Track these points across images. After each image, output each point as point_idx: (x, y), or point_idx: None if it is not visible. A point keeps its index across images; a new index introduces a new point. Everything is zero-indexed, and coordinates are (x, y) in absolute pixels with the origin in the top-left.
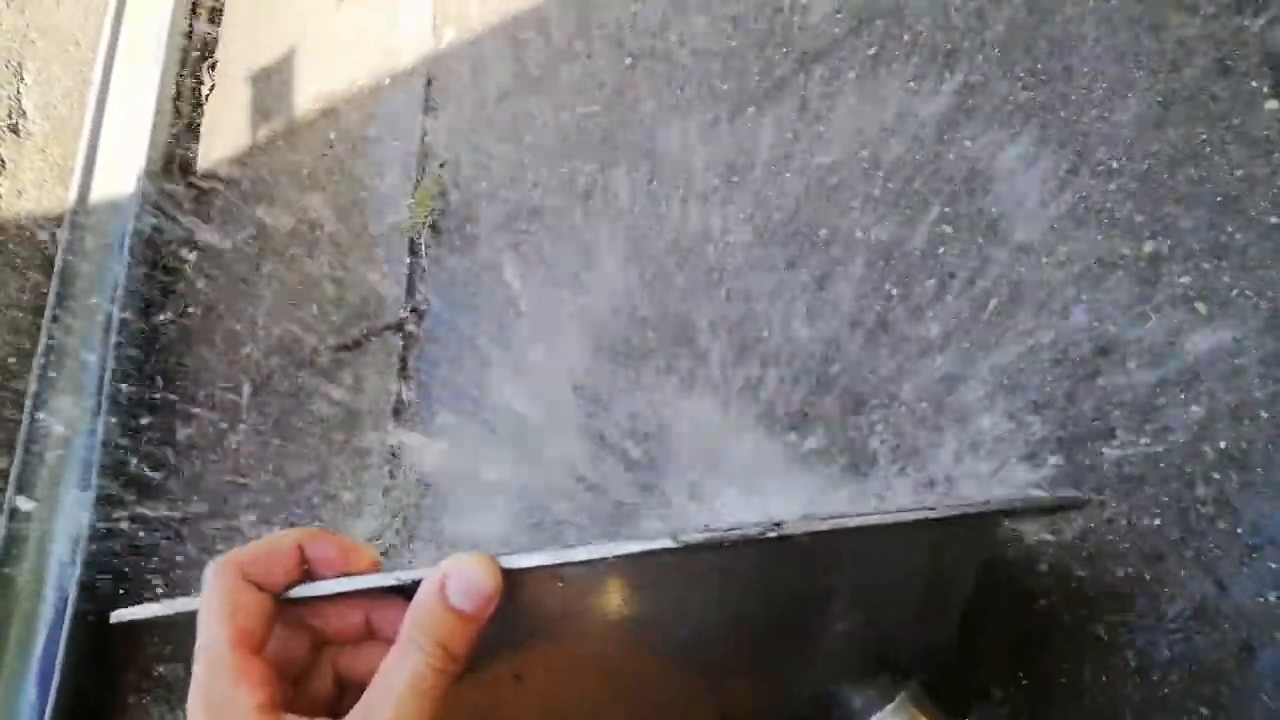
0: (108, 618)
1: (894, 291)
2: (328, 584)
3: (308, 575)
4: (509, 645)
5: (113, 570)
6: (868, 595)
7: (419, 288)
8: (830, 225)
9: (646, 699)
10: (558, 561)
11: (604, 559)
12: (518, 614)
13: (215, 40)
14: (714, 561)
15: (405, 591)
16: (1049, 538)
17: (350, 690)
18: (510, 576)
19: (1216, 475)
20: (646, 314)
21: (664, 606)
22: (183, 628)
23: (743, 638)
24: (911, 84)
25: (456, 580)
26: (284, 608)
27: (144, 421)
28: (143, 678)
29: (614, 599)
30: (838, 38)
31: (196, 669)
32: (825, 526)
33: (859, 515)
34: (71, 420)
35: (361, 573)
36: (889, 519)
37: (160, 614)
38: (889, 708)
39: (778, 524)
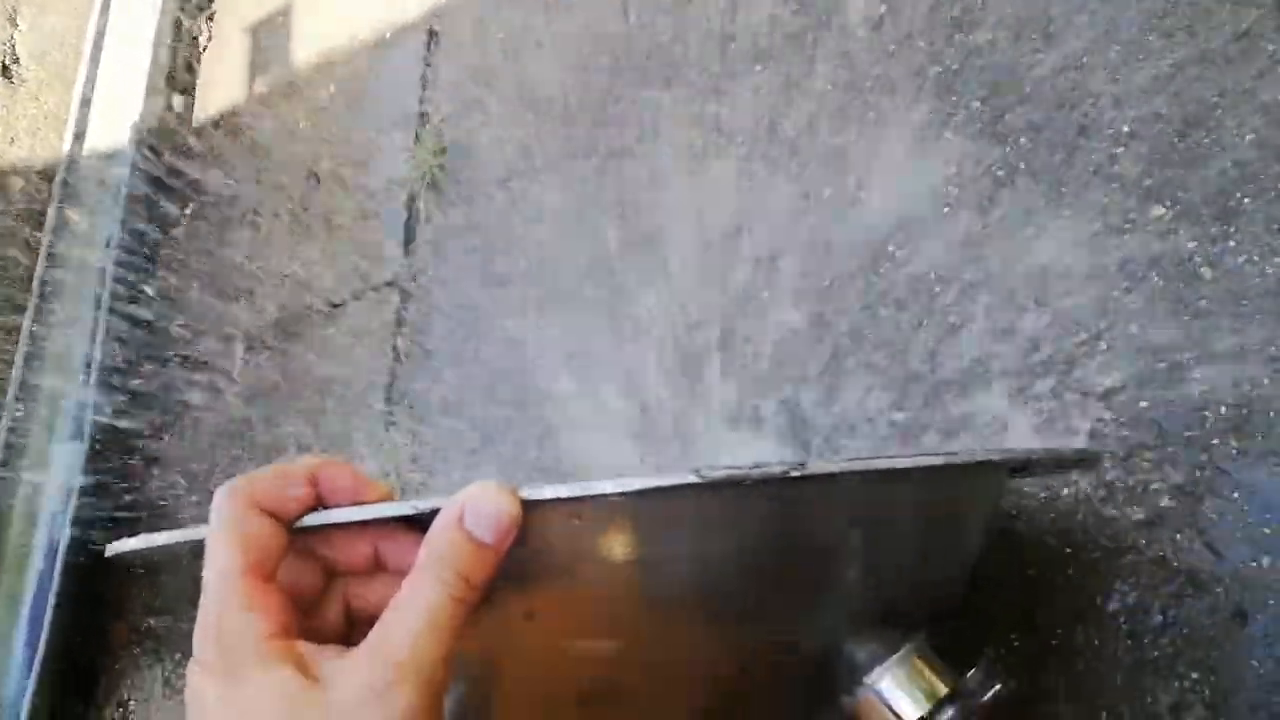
0: (98, 568)
1: (899, 252)
2: (341, 512)
3: (319, 504)
4: (522, 583)
5: (104, 523)
6: (879, 544)
7: (417, 244)
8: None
9: (658, 643)
10: (579, 494)
11: (626, 492)
12: (532, 551)
13: None
14: (734, 501)
15: (419, 522)
16: (1044, 500)
17: (359, 622)
18: (528, 510)
19: (1215, 441)
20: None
21: (680, 549)
22: (172, 583)
23: (756, 585)
24: (920, 43)
25: (475, 509)
26: (294, 537)
27: (138, 372)
28: (132, 631)
29: (630, 539)
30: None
31: (205, 598)
32: (846, 467)
33: (878, 458)
34: (64, 372)
35: (375, 504)
36: (910, 462)
37: (160, 544)
38: (893, 659)
39: (800, 463)
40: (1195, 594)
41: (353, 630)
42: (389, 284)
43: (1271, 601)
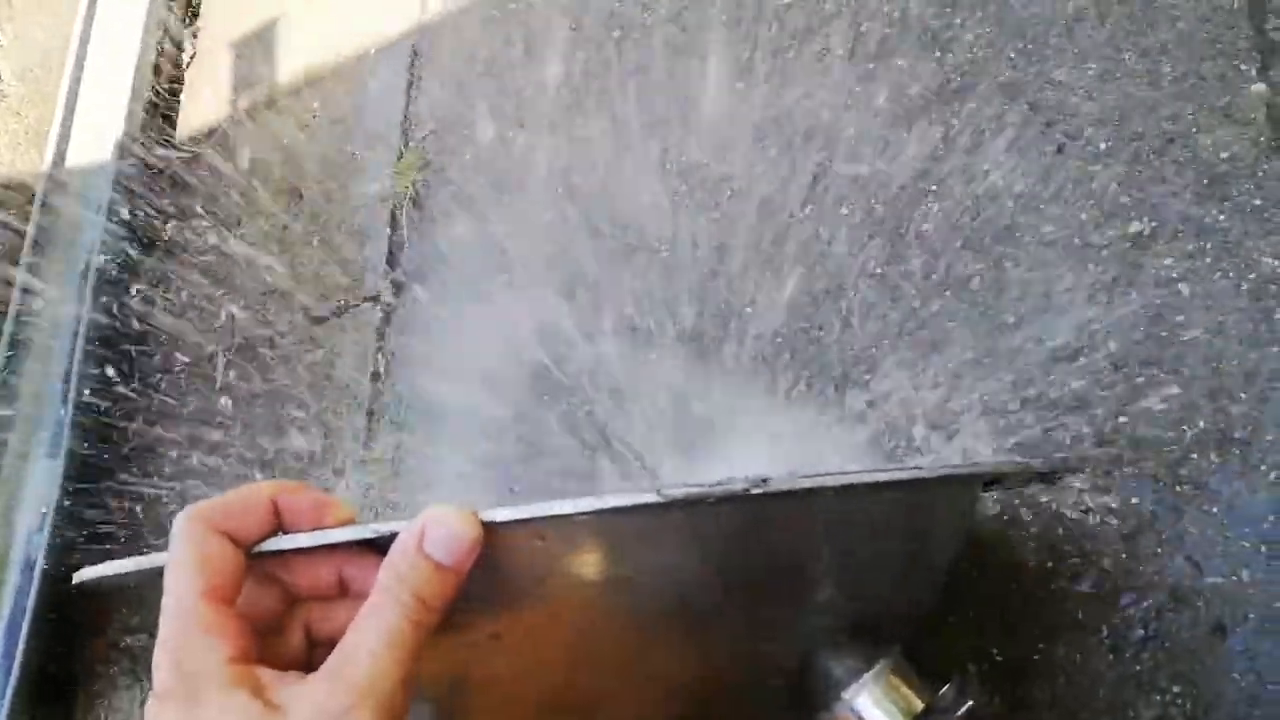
0: (72, 586)
1: (884, 254)
2: (300, 537)
3: (280, 529)
4: (488, 604)
5: (81, 542)
6: (849, 559)
7: (399, 259)
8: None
9: (626, 662)
10: (538, 515)
11: (586, 512)
12: (497, 573)
13: (198, 6)
14: (698, 518)
15: (380, 546)
16: (1026, 514)
17: (320, 647)
18: (491, 532)
19: (1194, 455)
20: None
21: (646, 567)
22: (151, 600)
23: (724, 602)
24: (900, 62)
25: (435, 531)
26: (254, 563)
27: (115, 391)
28: (110, 649)
29: (595, 558)
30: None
31: (163, 622)
32: (810, 484)
33: (844, 473)
34: (41, 387)
35: (336, 527)
36: (876, 477)
37: (126, 570)
38: (868, 675)
39: (763, 480)
40: (1176, 608)
41: (314, 654)
42: (371, 299)
43: (1251, 615)
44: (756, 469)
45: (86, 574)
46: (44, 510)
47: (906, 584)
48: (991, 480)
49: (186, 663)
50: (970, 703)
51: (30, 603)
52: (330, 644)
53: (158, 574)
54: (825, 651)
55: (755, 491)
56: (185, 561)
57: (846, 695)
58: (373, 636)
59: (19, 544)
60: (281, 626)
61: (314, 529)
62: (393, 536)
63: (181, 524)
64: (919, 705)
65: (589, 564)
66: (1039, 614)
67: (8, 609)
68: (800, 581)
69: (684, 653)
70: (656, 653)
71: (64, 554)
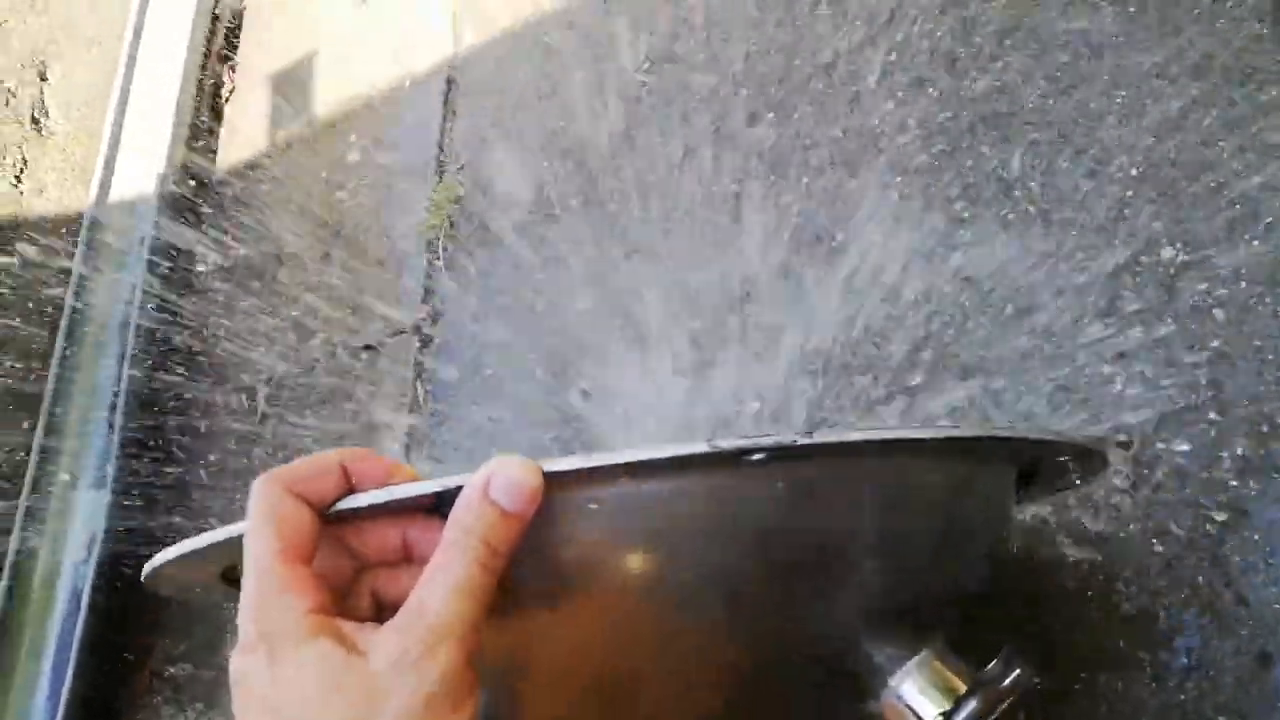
0: (144, 577)
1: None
2: (371, 494)
3: (351, 491)
4: (545, 579)
5: (126, 573)
6: (893, 529)
7: (436, 290)
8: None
9: (677, 637)
10: (596, 464)
11: (640, 461)
12: (554, 543)
13: (236, 43)
14: (742, 480)
15: (444, 506)
16: (1065, 540)
17: (387, 611)
18: (548, 494)
19: (1234, 483)
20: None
21: (697, 536)
22: (196, 630)
23: (773, 573)
24: (931, 90)
25: (499, 479)
26: (325, 529)
27: (159, 422)
28: (154, 678)
29: (646, 524)
30: (858, 42)
31: (245, 582)
32: (858, 436)
33: (890, 429)
34: (86, 420)
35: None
36: (921, 433)
37: (201, 545)
38: (911, 663)
39: (808, 431)
40: (1219, 636)
41: (382, 619)
42: (409, 330)
43: None
44: None
45: (158, 559)
46: (90, 540)
47: (947, 563)
48: (1029, 474)
49: (267, 617)
50: (1018, 671)
51: (77, 633)
52: (397, 607)
53: (231, 545)
54: (869, 637)
55: (801, 441)
56: (263, 522)
57: (892, 682)
58: (446, 580)
59: (66, 574)
60: (351, 591)
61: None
62: (457, 490)
63: (258, 488)
64: (964, 687)
65: (639, 531)
66: (1081, 641)
67: (54, 638)
68: (846, 554)
69: (732, 633)
70: (705, 631)
71: (110, 585)
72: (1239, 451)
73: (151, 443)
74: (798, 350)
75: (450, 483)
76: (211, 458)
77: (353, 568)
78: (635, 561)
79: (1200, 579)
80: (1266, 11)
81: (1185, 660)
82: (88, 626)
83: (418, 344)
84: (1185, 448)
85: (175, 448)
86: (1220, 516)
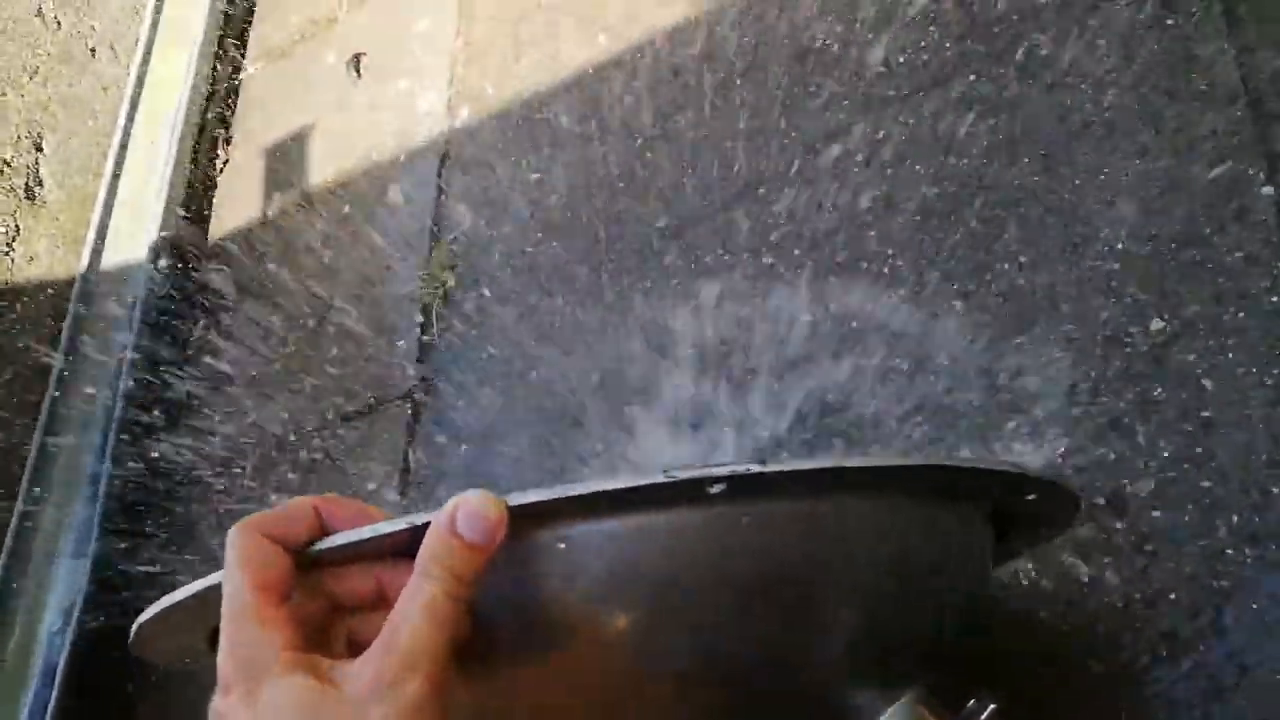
0: (130, 641)
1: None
2: (344, 535)
3: (324, 535)
4: (516, 630)
5: (103, 651)
6: (868, 576)
7: (429, 358)
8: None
9: (648, 687)
10: (557, 496)
11: (603, 491)
12: (523, 588)
13: (232, 115)
14: (710, 519)
15: (415, 547)
16: (1061, 606)
17: (362, 653)
18: (514, 518)
19: (1229, 550)
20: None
21: (667, 578)
22: (177, 701)
23: (743, 617)
24: (918, 168)
25: (464, 512)
26: (302, 574)
27: (145, 489)
28: None
29: (613, 565)
30: (843, 124)
31: (224, 624)
32: (811, 465)
33: (869, 456)
34: (69, 493)
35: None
36: (885, 461)
37: (182, 597)
38: (891, 710)
39: (761, 460)
40: (1220, 706)
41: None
42: (402, 398)
43: None
44: None
45: (143, 617)
46: (69, 609)
47: (931, 607)
48: (1005, 523)
49: (244, 656)
50: (994, 705)
51: (51, 707)
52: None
53: (212, 596)
54: (850, 681)
55: (755, 470)
56: (239, 563)
57: None
58: (415, 610)
59: (41, 647)
60: (327, 633)
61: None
62: (425, 526)
63: (233, 534)
64: None
65: (607, 573)
66: (1077, 707)
67: (26, 712)
68: (819, 605)
69: (702, 680)
70: (675, 679)
71: (86, 660)
72: (1234, 519)
73: (134, 516)
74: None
75: (419, 520)
76: (200, 527)
77: (328, 611)
78: (605, 603)
79: (1202, 647)
80: (1241, 94)
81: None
82: (60, 701)
83: (410, 412)
84: (1180, 517)
85: (162, 516)
86: (1218, 584)
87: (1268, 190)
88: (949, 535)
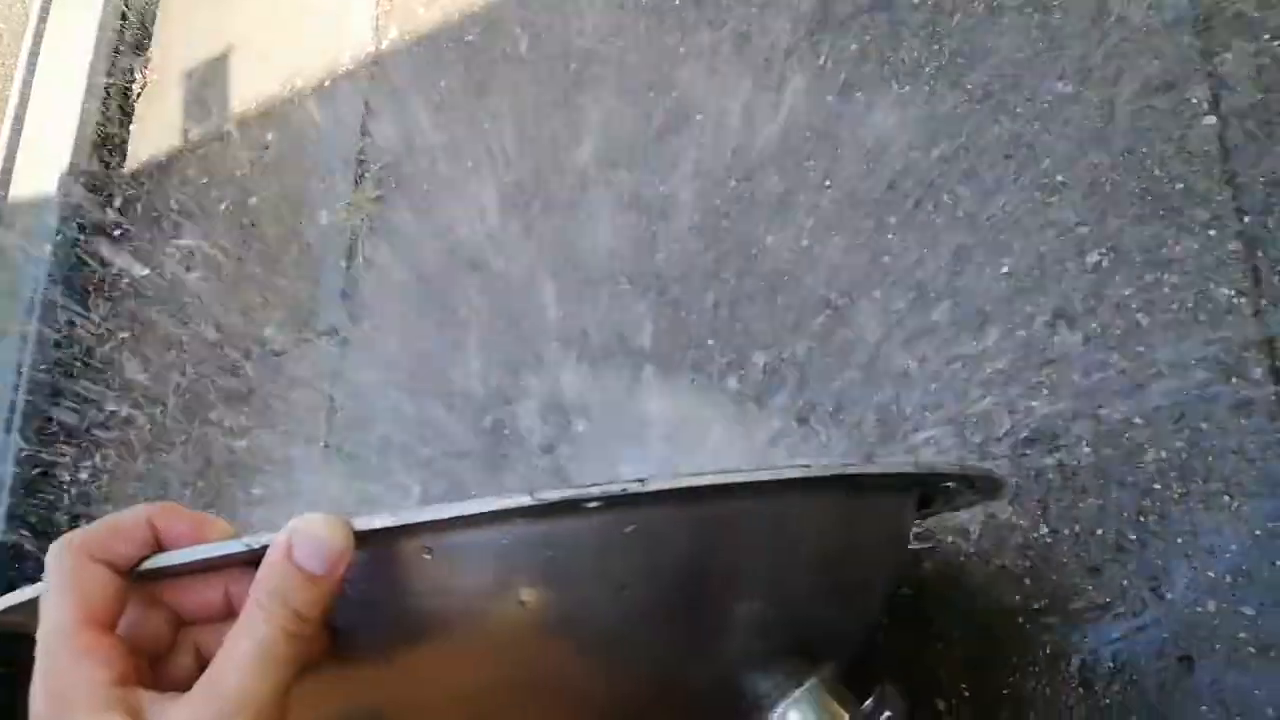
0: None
1: (848, 294)
2: (175, 554)
3: (159, 551)
4: (379, 626)
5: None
6: (774, 570)
7: (356, 291)
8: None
9: (527, 681)
10: (405, 522)
11: (457, 517)
12: (386, 591)
13: (149, 36)
14: (583, 525)
15: (260, 560)
16: (989, 545)
17: None
18: (378, 549)
19: (1157, 485)
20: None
21: (540, 579)
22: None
23: (630, 617)
24: (858, 94)
25: (303, 541)
26: (139, 587)
27: (59, 437)
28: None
29: (489, 569)
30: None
31: (39, 654)
32: (691, 482)
33: (745, 471)
34: None
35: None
36: (777, 475)
37: (10, 604)
38: (797, 693)
39: (640, 479)
40: (1144, 640)
41: None
42: (327, 332)
43: (1217, 645)
44: None
45: None
46: None
47: (838, 600)
48: (924, 501)
49: (61, 689)
50: (889, 713)
51: None
52: None
53: (35, 606)
54: (754, 668)
55: (632, 491)
56: (60, 589)
57: (774, 714)
58: (243, 649)
59: None
60: (171, 649)
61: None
62: (264, 549)
63: (55, 553)
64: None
65: (483, 577)
66: (1007, 647)
67: None
68: (718, 595)
69: (593, 672)
70: (564, 671)
71: None
72: (1163, 455)
73: (48, 459)
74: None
75: (258, 541)
76: (115, 470)
77: (172, 624)
78: (481, 611)
79: (1124, 582)
80: (1187, 21)
81: (1111, 664)
82: None
83: (337, 347)
84: (1109, 451)
85: (78, 461)
86: (1144, 520)
87: (1209, 120)
88: (852, 526)
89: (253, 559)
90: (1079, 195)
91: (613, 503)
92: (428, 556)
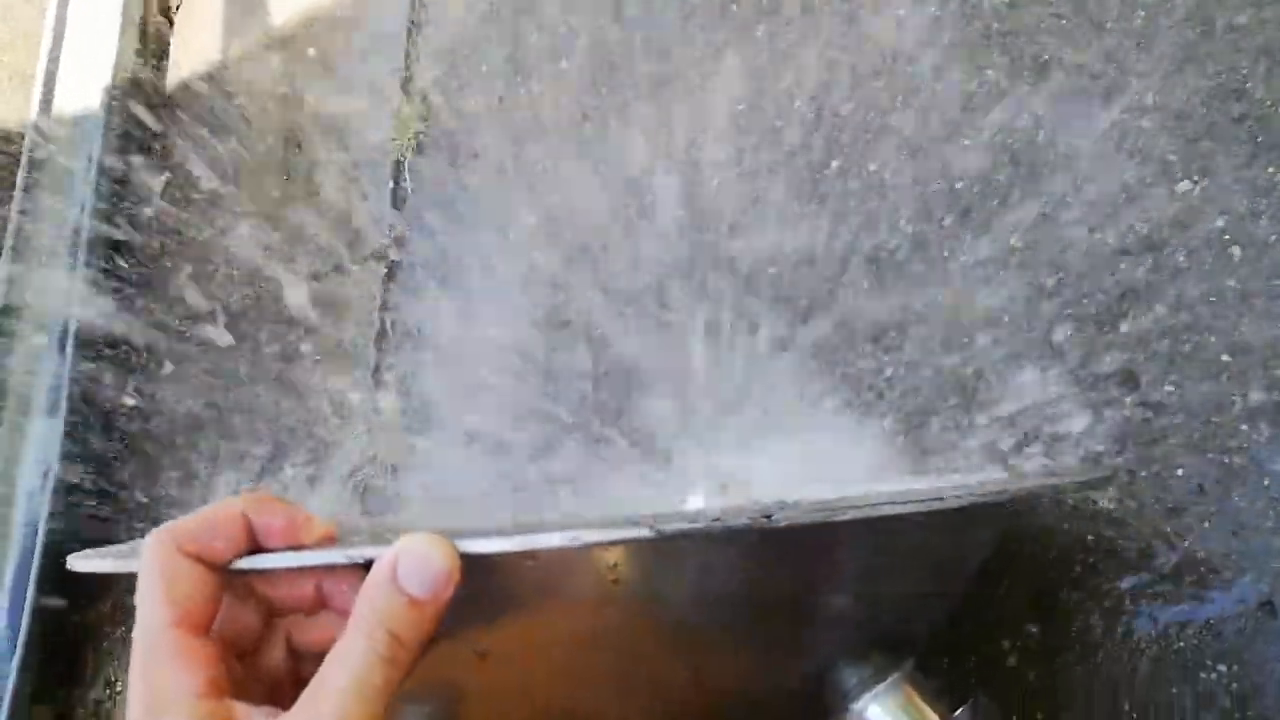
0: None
1: (940, 220)
2: (274, 557)
3: (254, 544)
4: (475, 621)
5: (84, 499)
6: (868, 578)
7: (402, 213)
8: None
9: (624, 678)
10: (522, 548)
11: (573, 547)
12: (485, 591)
13: None
14: (699, 547)
15: (359, 569)
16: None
17: (305, 661)
18: (470, 559)
19: (1244, 427)
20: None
21: (646, 586)
22: None
23: (729, 618)
24: (934, 10)
25: (408, 562)
26: (231, 578)
27: (110, 351)
28: (115, 609)
29: (591, 577)
30: None
31: (134, 652)
32: (821, 518)
33: (862, 503)
34: (37, 346)
35: (313, 543)
36: (893, 510)
37: (110, 570)
38: (881, 687)
39: (767, 515)
40: (1222, 585)
41: (300, 668)
42: (374, 255)
43: None
44: None
45: (76, 563)
46: (45, 470)
47: (929, 597)
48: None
49: (153, 696)
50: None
51: (35, 563)
52: (313, 656)
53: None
54: (838, 663)
55: (759, 524)
56: (152, 587)
57: (857, 706)
58: (342, 674)
59: (20, 504)
60: (262, 641)
61: (289, 546)
62: (365, 561)
63: (149, 548)
64: (933, 718)
65: (584, 582)
66: (1078, 589)
67: (12, 569)
68: (812, 599)
69: (687, 669)
70: (657, 669)
71: (68, 513)
72: (1251, 396)
73: (102, 373)
74: None
75: (358, 555)
76: (167, 388)
77: (264, 615)
78: (577, 609)
79: (1205, 525)
80: None
81: (1185, 608)
82: (46, 557)
83: (384, 270)
84: (1194, 391)
85: (127, 378)
86: (1229, 461)
87: None
88: (961, 533)
89: (351, 566)
90: (1171, 119)
91: (734, 536)
92: (530, 563)
